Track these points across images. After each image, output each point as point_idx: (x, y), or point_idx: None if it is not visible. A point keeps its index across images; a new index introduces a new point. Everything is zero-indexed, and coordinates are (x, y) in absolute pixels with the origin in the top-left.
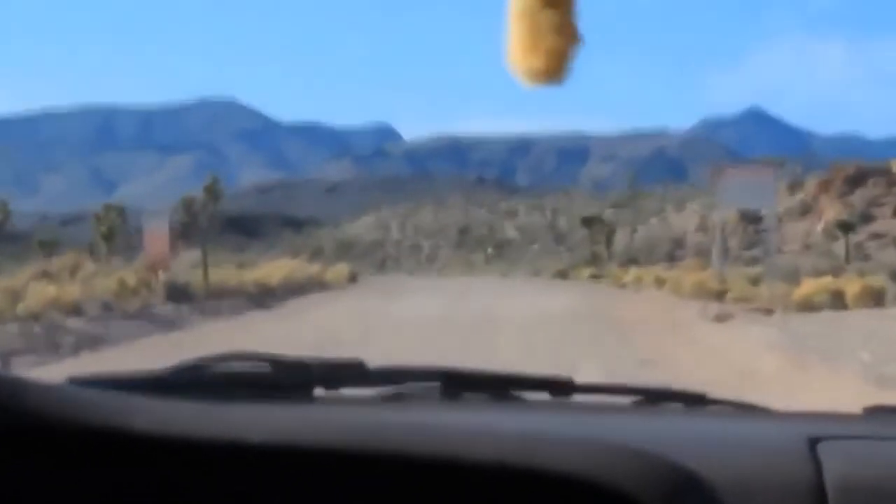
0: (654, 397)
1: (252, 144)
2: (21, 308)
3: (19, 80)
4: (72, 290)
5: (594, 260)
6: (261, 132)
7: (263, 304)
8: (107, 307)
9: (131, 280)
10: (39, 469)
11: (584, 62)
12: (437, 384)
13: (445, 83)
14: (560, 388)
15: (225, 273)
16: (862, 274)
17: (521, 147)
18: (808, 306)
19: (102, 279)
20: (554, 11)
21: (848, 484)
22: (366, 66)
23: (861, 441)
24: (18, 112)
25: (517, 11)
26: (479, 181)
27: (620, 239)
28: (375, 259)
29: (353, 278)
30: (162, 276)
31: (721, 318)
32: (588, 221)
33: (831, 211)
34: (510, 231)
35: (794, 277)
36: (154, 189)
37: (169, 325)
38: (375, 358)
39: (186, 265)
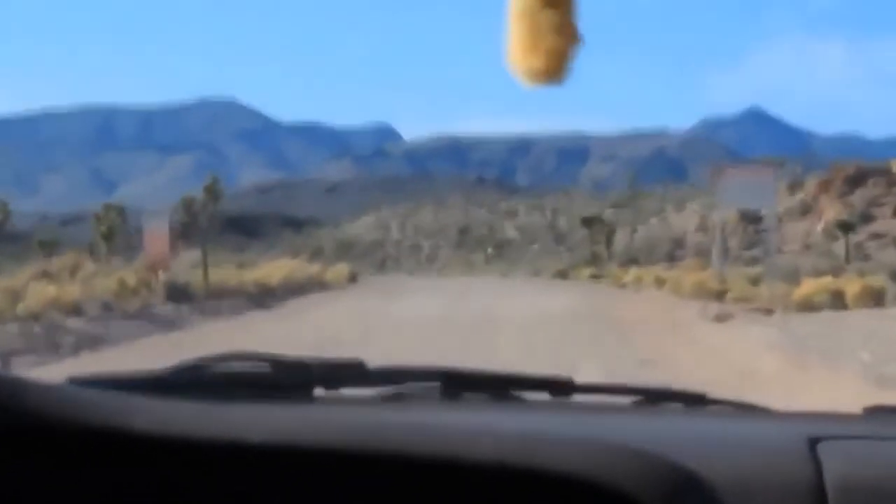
0: (653, 397)
1: (252, 144)
2: (21, 308)
3: (19, 80)
4: (72, 290)
5: (594, 260)
6: (261, 132)
7: (263, 304)
8: (107, 307)
9: (131, 280)
10: (39, 469)
11: (584, 62)
12: (436, 384)
13: (445, 83)
14: (560, 388)
15: (225, 273)
16: (862, 274)
17: (521, 147)
18: (808, 306)
19: (102, 279)
20: (554, 11)
21: (848, 484)
22: (366, 66)
23: (861, 441)
24: (18, 112)
25: (517, 11)
26: (479, 181)
27: (620, 239)
28: (375, 259)
29: (352, 278)
30: (162, 276)
31: (721, 319)
32: (588, 221)
33: (831, 211)
34: (510, 231)
35: (794, 277)
36: (154, 189)
37: (169, 325)
38: (375, 358)
39: (186, 265)
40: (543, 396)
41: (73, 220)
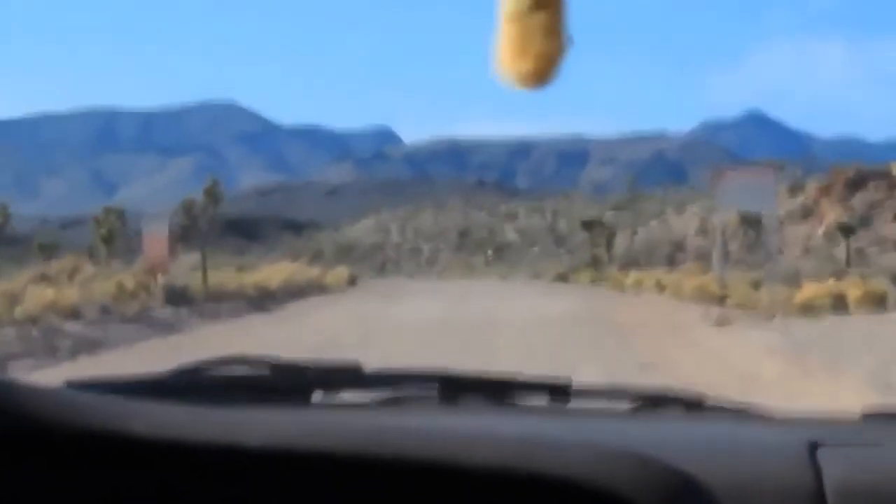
0: (653, 401)
1: (252, 147)
2: (19, 311)
3: (19, 83)
4: (70, 294)
5: (594, 263)
6: (261, 135)
7: (263, 308)
8: (105, 311)
9: (130, 283)
10: (37, 473)
11: (584, 65)
12: (434, 388)
13: (445, 86)
14: (558, 391)
15: (224, 276)
16: (863, 278)
17: (521, 150)
18: (809, 310)
19: (101, 282)
20: (544, 14)
21: (847, 489)
22: (366, 68)
23: (861, 447)
24: (19, 114)
25: (507, 14)
26: (479, 184)
27: (620, 242)
28: (375, 262)
29: (352, 281)
30: (161, 279)
31: (722, 322)
32: (588, 224)
33: (832, 214)
34: (510, 234)
35: (794, 281)
36: (154, 192)
37: (167, 328)
38: (375, 362)
39: (186, 268)
40: (542, 400)
41: (73, 223)
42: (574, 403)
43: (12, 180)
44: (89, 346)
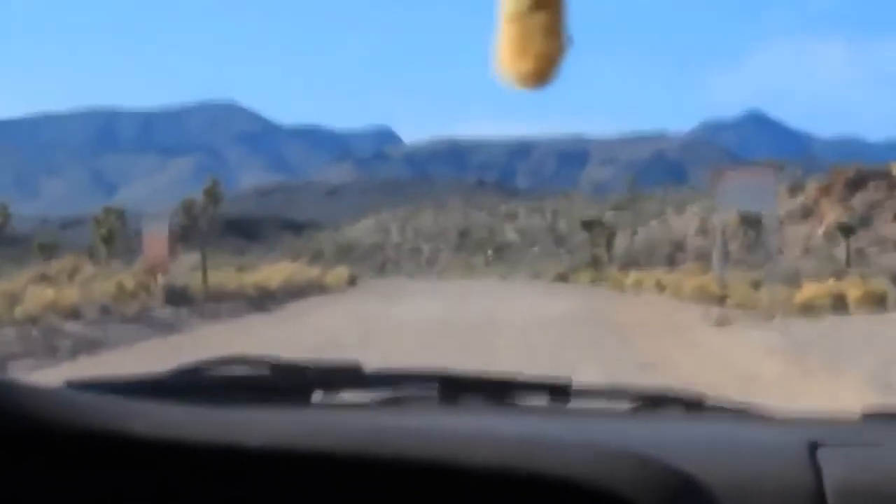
0: (652, 401)
1: (252, 147)
2: (19, 311)
3: (19, 82)
4: (70, 294)
5: (594, 263)
6: (261, 135)
7: (263, 308)
8: (105, 311)
9: (130, 283)
10: (37, 473)
11: (584, 65)
12: (434, 388)
13: (445, 86)
14: (558, 391)
15: (224, 276)
16: (863, 278)
17: (521, 150)
18: (809, 310)
19: (101, 282)
20: (544, 14)
21: (847, 489)
22: (366, 68)
23: (861, 447)
24: (19, 114)
25: (507, 14)
26: (479, 184)
27: (620, 242)
28: (375, 262)
29: (352, 281)
30: (161, 279)
31: (722, 322)
32: (588, 224)
33: (832, 214)
34: (510, 234)
35: (794, 281)
36: (154, 192)
37: (167, 328)
38: (375, 362)
39: (186, 268)
40: (542, 400)
41: (73, 223)
42: (574, 403)
43: (12, 180)
44: (89, 346)
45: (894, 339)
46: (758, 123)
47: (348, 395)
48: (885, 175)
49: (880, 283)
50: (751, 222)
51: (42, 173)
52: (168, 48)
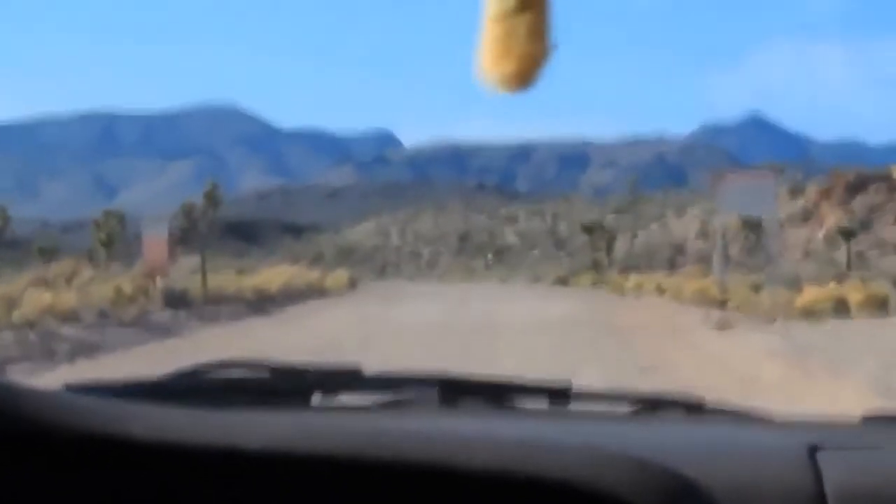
0: (652, 404)
1: (253, 150)
2: (17, 315)
3: (20, 85)
4: (68, 298)
5: (595, 266)
6: (261, 138)
7: (262, 311)
8: (103, 314)
9: (128, 287)
10: (35, 476)
11: (584, 68)
12: (434, 390)
13: (446, 89)
14: (558, 394)
15: (224, 279)
16: (864, 281)
17: (522, 153)
18: (810, 314)
19: (99, 286)
20: (529, 16)
21: (848, 493)
22: (366, 72)
23: (860, 450)
24: (19, 117)
25: (492, 15)
26: (479, 187)
27: (621, 245)
28: (376, 265)
29: (352, 284)
30: (160, 282)
31: (722, 326)
32: (588, 228)
33: (832, 217)
34: (510, 237)
35: (795, 284)
36: (155, 195)
37: (166, 332)
38: (375, 365)
39: (186, 271)
40: (541, 403)
41: (73, 227)
42: (573, 407)
43: (13, 183)
44: (87, 350)
45: None
46: (758, 126)
47: (347, 398)
48: (885, 178)
49: (881, 287)
50: (751, 226)
51: (42, 176)
52: (168, 51)
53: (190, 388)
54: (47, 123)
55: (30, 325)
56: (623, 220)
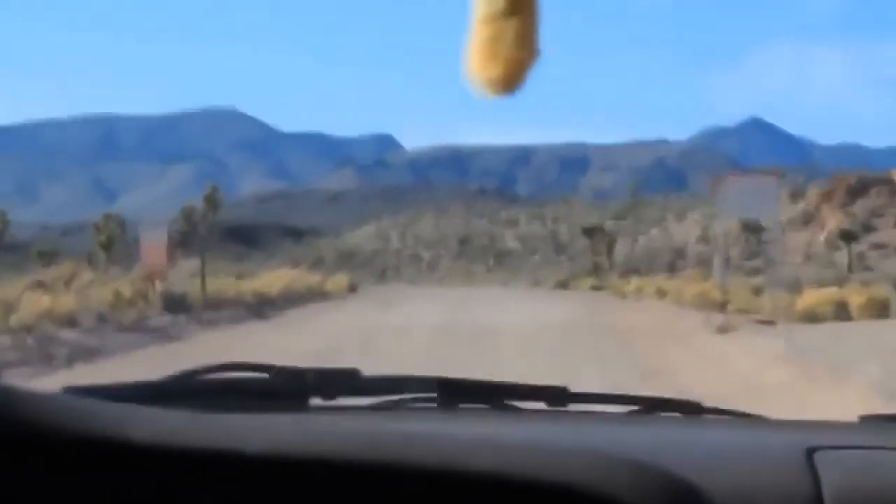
0: (650, 407)
1: (253, 154)
2: (14, 320)
3: (20, 89)
4: (66, 301)
5: (595, 270)
6: (262, 141)
7: (262, 315)
8: (102, 318)
9: (127, 291)
10: (35, 479)
11: (584, 71)
12: (433, 393)
13: (446, 92)
14: (556, 397)
15: (223, 283)
16: (865, 284)
17: (522, 157)
18: (811, 317)
19: (98, 289)
20: (517, 20)
21: (846, 494)
22: (367, 75)
23: (858, 451)
24: (19, 120)
25: (480, 17)
26: (479, 191)
27: (621, 249)
28: (376, 269)
29: (352, 288)
30: (159, 286)
31: (724, 330)
32: (589, 231)
33: (833, 221)
34: (511, 241)
35: (796, 288)
36: (155, 198)
37: (165, 336)
38: (375, 369)
39: (185, 275)
40: (540, 406)
41: (73, 230)
42: (572, 409)
43: (13, 186)
44: (85, 354)
45: None
46: (759, 130)
47: (347, 401)
48: (886, 181)
49: (883, 290)
50: (752, 229)
51: (42, 180)
52: (168, 54)
53: (188, 390)
54: (47, 126)
55: (28, 329)
56: (623, 223)
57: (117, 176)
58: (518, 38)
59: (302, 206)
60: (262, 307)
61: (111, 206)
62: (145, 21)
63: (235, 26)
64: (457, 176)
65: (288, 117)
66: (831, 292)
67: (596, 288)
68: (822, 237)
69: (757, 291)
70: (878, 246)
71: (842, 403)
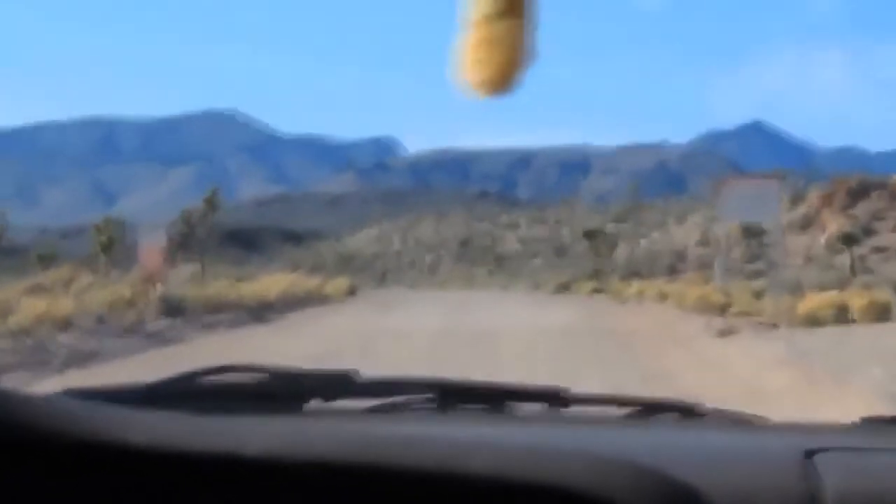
0: (648, 408)
1: (253, 157)
2: (11, 323)
3: (21, 92)
4: (64, 305)
5: (596, 273)
6: (262, 145)
7: (261, 318)
8: (100, 322)
9: (125, 294)
10: (33, 482)
11: (585, 75)
12: (431, 396)
13: (446, 96)
14: (555, 399)
15: (222, 286)
16: (867, 287)
17: (523, 160)
18: (813, 320)
19: (96, 293)
20: (510, 22)
21: (845, 496)
22: (367, 79)
23: (857, 452)
24: (19, 123)
25: (473, 20)
26: (480, 194)
27: (622, 252)
28: (376, 272)
29: (352, 292)
30: (157, 289)
31: (725, 333)
32: (590, 234)
33: (834, 224)
34: (511, 244)
35: (797, 291)
36: (155, 202)
37: (163, 340)
38: (374, 373)
39: (184, 279)
40: (539, 408)
41: (72, 233)
42: (571, 411)
43: (13, 189)
44: (83, 358)
45: None
46: (759, 134)
47: (344, 404)
48: (887, 185)
49: (884, 293)
50: (752, 232)
51: (42, 183)
52: (169, 57)
53: (186, 392)
54: (47, 129)
55: (25, 332)
56: (624, 226)
57: (117, 179)
58: (512, 41)
59: (302, 210)
60: (261, 311)
61: (111, 208)
62: (145, 24)
63: (236, 30)
64: (457, 179)
65: (288, 120)
66: (833, 296)
67: (597, 291)
68: (822, 240)
69: (758, 295)
70: (879, 249)
71: (844, 407)
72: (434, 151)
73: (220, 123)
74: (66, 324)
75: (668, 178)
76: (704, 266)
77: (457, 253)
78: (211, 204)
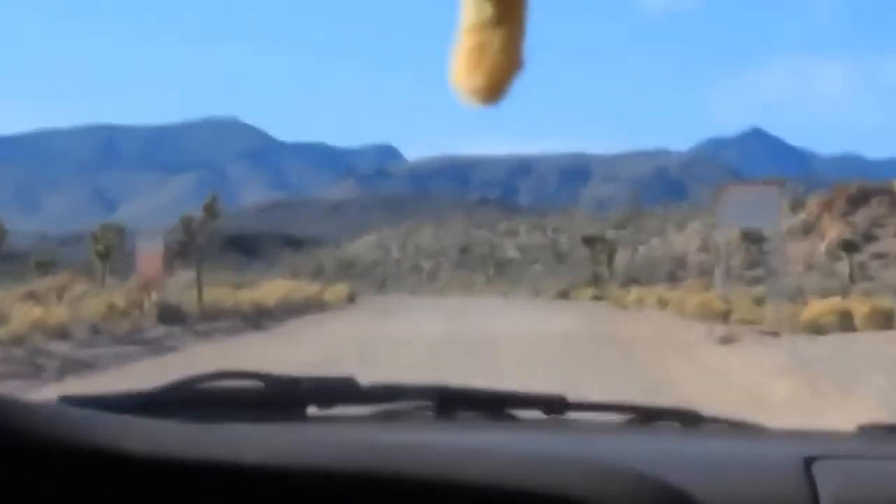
0: (648, 416)
1: (254, 164)
2: (4, 331)
3: (22, 98)
4: (59, 312)
5: (596, 280)
6: (263, 151)
7: (259, 326)
8: (95, 330)
9: (121, 301)
10: (29, 490)
11: (585, 81)
12: (430, 402)
13: (447, 103)
14: (554, 405)
15: (220, 293)
16: (867, 294)
17: (523, 167)
18: (815, 328)
19: (91, 300)
20: (504, 29)
21: (843, 503)
22: (368, 86)
23: (856, 460)
24: (20, 130)
25: (466, 26)
26: (480, 201)
27: (622, 259)
28: (376, 279)
29: (351, 298)
30: (154, 296)
31: (727, 341)
32: (589, 241)
33: (834, 231)
34: (511, 251)
35: (798, 297)
36: (156, 208)
37: (160, 347)
38: (373, 379)
39: (183, 285)
40: (538, 414)
41: (71, 240)
42: (570, 418)
43: (13, 195)
44: (77, 367)
45: None
46: (759, 140)
47: (344, 410)
48: (887, 192)
49: (887, 300)
50: (752, 239)
51: (43, 189)
52: (170, 64)
53: (185, 399)
54: (48, 136)
55: (18, 341)
56: (624, 233)
57: (118, 185)
58: (503, 48)
59: (302, 216)
60: (259, 318)
61: (112, 215)
62: (147, 30)
63: (237, 36)
64: (457, 186)
65: (289, 127)
66: (835, 303)
67: (596, 298)
68: (822, 247)
69: (759, 301)
70: (879, 256)
71: (847, 416)
72: (434, 158)
73: (221, 130)
74: (60, 332)
75: (668, 184)
76: (704, 273)
77: (457, 259)
78: (210, 211)
